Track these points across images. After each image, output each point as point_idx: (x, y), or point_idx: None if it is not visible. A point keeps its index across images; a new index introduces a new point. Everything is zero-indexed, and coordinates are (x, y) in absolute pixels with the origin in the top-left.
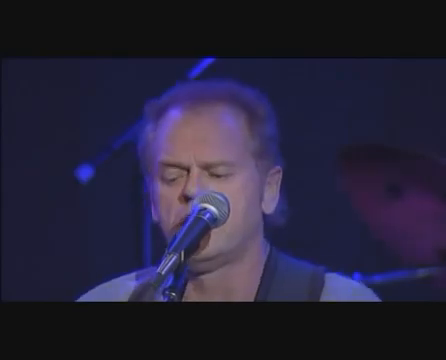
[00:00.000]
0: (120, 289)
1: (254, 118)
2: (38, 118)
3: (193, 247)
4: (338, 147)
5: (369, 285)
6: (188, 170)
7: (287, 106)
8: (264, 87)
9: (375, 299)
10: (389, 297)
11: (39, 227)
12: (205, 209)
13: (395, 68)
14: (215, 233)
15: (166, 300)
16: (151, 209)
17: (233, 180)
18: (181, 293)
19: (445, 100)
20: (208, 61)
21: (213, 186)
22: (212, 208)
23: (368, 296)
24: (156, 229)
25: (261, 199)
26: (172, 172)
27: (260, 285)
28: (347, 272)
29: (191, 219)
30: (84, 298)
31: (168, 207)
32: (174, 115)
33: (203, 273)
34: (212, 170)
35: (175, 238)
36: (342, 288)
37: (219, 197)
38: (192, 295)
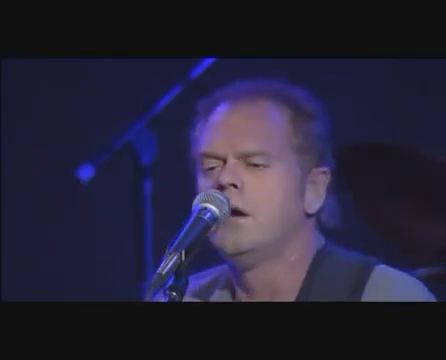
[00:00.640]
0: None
1: (299, 115)
2: (38, 118)
3: (194, 247)
4: (338, 147)
5: None
6: (224, 161)
7: None
8: None
9: (425, 295)
10: None
11: (39, 227)
12: (206, 209)
13: (395, 68)
14: (248, 226)
15: (167, 300)
16: None
17: (270, 172)
18: (182, 293)
19: (445, 100)
20: (209, 61)
21: (249, 177)
22: (213, 208)
23: (418, 291)
24: (157, 229)
25: (302, 196)
26: (210, 162)
27: (304, 281)
28: None
29: (192, 219)
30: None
31: None
32: (219, 110)
33: (246, 270)
34: (249, 159)
35: (176, 238)
36: (388, 283)
37: (220, 196)
38: (240, 295)
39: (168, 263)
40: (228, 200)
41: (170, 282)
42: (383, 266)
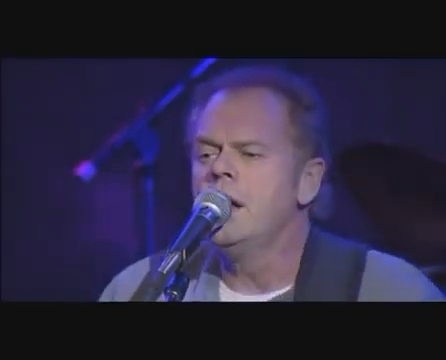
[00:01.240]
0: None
1: (298, 106)
2: (39, 117)
3: (195, 246)
4: (339, 147)
5: None
6: (220, 148)
7: None
8: None
9: (418, 277)
10: None
11: (40, 226)
12: (207, 207)
13: (396, 68)
14: (239, 217)
15: (168, 299)
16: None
17: (265, 162)
18: (183, 292)
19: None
20: (210, 61)
21: (244, 166)
22: (214, 207)
23: (414, 279)
24: (158, 228)
25: (295, 187)
26: (206, 149)
27: (301, 264)
28: None
29: (193, 218)
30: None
31: (198, 184)
32: (218, 97)
33: (236, 258)
34: (244, 148)
35: (176, 237)
36: (384, 271)
37: (221, 195)
38: (229, 280)
39: (169, 262)
40: (229, 199)
41: (171, 281)
42: (375, 252)
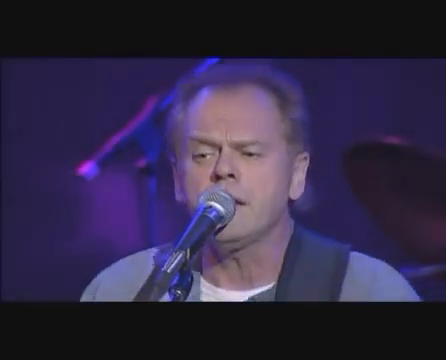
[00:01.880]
0: (149, 261)
1: (285, 102)
2: (42, 117)
3: (199, 245)
4: (342, 146)
5: None
6: (220, 149)
7: None
8: None
9: (400, 281)
10: None
11: (42, 226)
12: (211, 207)
13: (397, 67)
14: (243, 215)
15: (172, 298)
16: (176, 189)
17: (265, 161)
18: (187, 291)
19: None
20: (213, 60)
21: (245, 166)
22: (218, 206)
23: (394, 279)
24: (161, 227)
25: (289, 183)
26: (203, 148)
27: (285, 259)
28: None
29: (197, 217)
30: (110, 272)
31: (197, 185)
32: (207, 94)
33: (233, 253)
34: (244, 149)
35: (181, 236)
36: (366, 271)
37: (225, 195)
38: (216, 277)
39: (173, 261)
40: (233, 199)
41: (175, 280)
42: (357, 254)
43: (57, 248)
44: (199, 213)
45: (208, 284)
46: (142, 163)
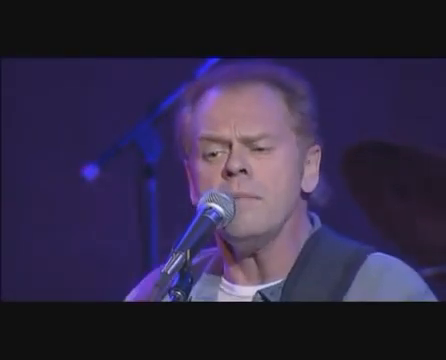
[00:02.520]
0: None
1: (293, 96)
2: (42, 118)
3: (199, 246)
4: (342, 147)
5: None
6: (230, 145)
7: None
8: None
9: (418, 282)
10: None
11: (42, 226)
12: (211, 208)
13: (398, 67)
14: (258, 211)
15: (172, 299)
16: (191, 192)
17: (275, 154)
18: (187, 292)
19: None
20: (214, 61)
21: (255, 161)
22: (218, 207)
23: (411, 278)
24: (162, 227)
25: (301, 176)
26: (213, 147)
27: (299, 255)
28: None
29: (197, 218)
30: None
31: (209, 184)
32: (214, 94)
33: (245, 253)
34: (254, 144)
35: (181, 237)
36: (378, 266)
37: (225, 196)
38: (233, 275)
39: (173, 263)
40: (233, 200)
41: (175, 282)
42: (380, 253)
43: (57, 248)
44: (199, 214)
45: (227, 283)
46: (142, 164)
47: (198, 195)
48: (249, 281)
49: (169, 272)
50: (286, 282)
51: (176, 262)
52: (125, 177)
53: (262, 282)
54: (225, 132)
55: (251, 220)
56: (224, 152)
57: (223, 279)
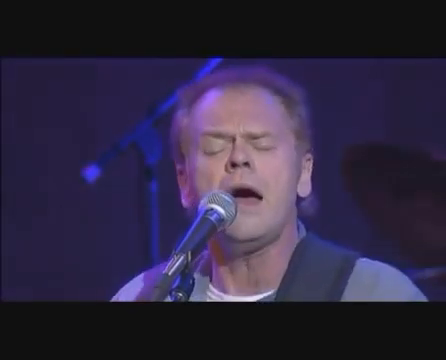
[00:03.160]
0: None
1: (290, 100)
2: (41, 116)
3: (200, 248)
4: (342, 148)
5: None
6: (233, 140)
7: None
8: None
9: (404, 284)
10: None
11: (42, 227)
12: (212, 209)
13: (397, 67)
14: (261, 211)
15: (173, 300)
16: (183, 195)
17: (276, 153)
18: (188, 293)
19: None
20: (215, 61)
21: (258, 158)
22: (219, 209)
23: (397, 282)
24: (163, 228)
25: (298, 180)
26: (216, 144)
27: (289, 264)
28: None
29: (198, 219)
30: (123, 294)
31: (209, 179)
32: (215, 94)
33: (243, 256)
34: (256, 142)
35: (182, 238)
36: (369, 273)
37: (226, 198)
38: (224, 281)
39: (174, 264)
40: (234, 201)
41: (176, 283)
42: (366, 259)
43: (57, 248)
44: (200, 215)
45: (216, 291)
46: (143, 165)
47: (194, 193)
48: (240, 291)
49: (170, 274)
50: (278, 293)
51: (177, 264)
52: (126, 178)
53: (253, 292)
54: (229, 127)
55: (252, 222)
56: (226, 148)
57: (211, 286)
